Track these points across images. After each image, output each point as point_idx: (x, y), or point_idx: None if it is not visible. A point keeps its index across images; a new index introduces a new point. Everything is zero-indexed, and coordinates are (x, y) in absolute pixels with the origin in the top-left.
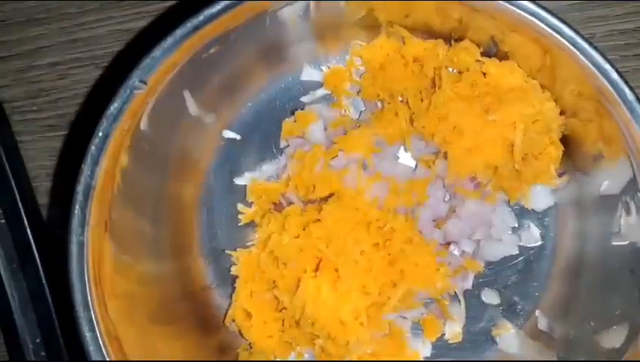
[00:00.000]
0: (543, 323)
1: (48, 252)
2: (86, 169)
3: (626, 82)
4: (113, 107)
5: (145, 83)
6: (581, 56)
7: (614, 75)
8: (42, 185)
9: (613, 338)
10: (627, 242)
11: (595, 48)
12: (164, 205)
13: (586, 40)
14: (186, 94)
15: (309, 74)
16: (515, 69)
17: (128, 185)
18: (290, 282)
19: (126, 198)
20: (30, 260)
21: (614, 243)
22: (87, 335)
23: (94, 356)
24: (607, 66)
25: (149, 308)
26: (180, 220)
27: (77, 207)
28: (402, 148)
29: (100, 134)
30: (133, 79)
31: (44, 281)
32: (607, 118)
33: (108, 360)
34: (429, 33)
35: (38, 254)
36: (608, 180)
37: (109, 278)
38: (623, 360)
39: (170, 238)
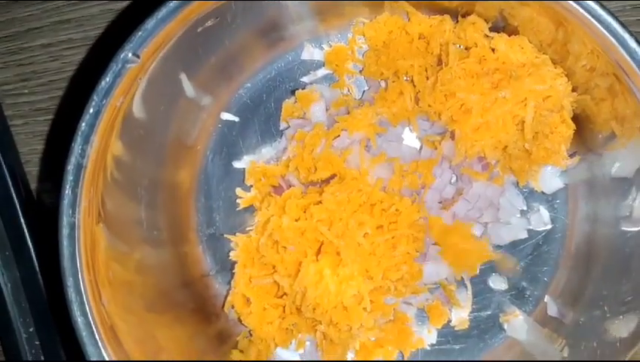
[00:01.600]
0: (552, 310)
1: (42, 238)
2: (76, 147)
3: None
4: (104, 82)
5: (138, 56)
6: (597, 25)
7: (633, 45)
8: (35, 170)
9: (622, 327)
10: (639, 228)
11: (613, 16)
12: (160, 191)
13: (604, 7)
14: (182, 75)
15: (310, 53)
16: (526, 44)
17: (122, 171)
18: (291, 266)
19: (120, 184)
20: (23, 247)
21: (624, 228)
22: (79, 320)
23: (87, 343)
24: (627, 35)
25: (146, 296)
26: (177, 206)
27: (67, 188)
28: (407, 128)
29: (91, 111)
30: (126, 52)
31: (37, 269)
32: (621, 95)
33: (100, 343)
34: (434, 9)
35: (31, 241)
36: (620, 162)
37: (104, 266)
38: (627, 360)
39: (167, 225)
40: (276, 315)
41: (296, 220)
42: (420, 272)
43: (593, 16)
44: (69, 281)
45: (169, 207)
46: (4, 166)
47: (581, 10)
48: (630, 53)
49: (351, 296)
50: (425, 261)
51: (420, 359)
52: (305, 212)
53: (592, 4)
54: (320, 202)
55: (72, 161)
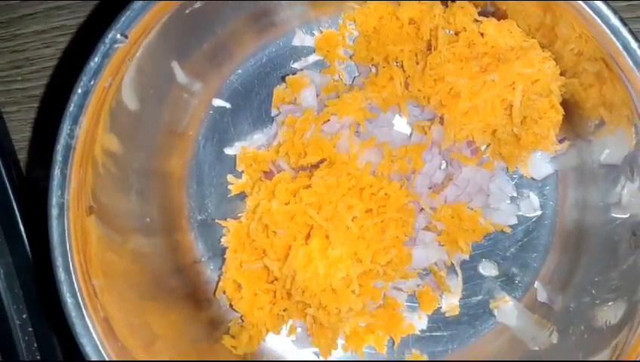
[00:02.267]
0: (542, 295)
1: (35, 226)
2: (65, 128)
3: (630, 30)
4: (93, 62)
5: (126, 37)
6: (583, 5)
7: (616, 22)
8: (28, 157)
9: (611, 313)
10: (628, 214)
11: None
12: (151, 178)
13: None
14: (173, 61)
15: (301, 39)
16: (514, 28)
17: (113, 159)
18: (280, 250)
19: (111, 173)
20: (16, 235)
21: (613, 215)
22: (69, 301)
23: (77, 324)
24: (610, 13)
25: (139, 284)
26: (168, 193)
27: (56, 168)
28: (398, 114)
29: (79, 91)
30: (114, 32)
31: (30, 256)
32: (610, 82)
33: (89, 324)
34: None
35: (24, 228)
36: (609, 149)
37: (97, 255)
38: (622, 360)
39: (158, 212)
40: (267, 300)
41: (286, 204)
42: (409, 256)
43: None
44: (59, 261)
45: (161, 194)
46: None
47: None
48: (623, 43)
49: (339, 278)
50: (414, 245)
51: (410, 345)
52: (295, 196)
53: None
54: (309, 186)
55: (61, 141)
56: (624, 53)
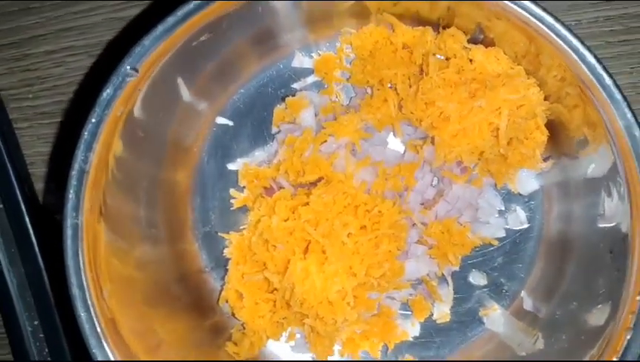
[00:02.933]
0: (528, 304)
1: (46, 236)
2: (79, 154)
3: (604, 67)
4: (105, 93)
5: (136, 70)
6: (561, 43)
7: (592, 60)
8: (39, 171)
9: (596, 317)
10: (612, 224)
11: (575, 35)
12: (158, 190)
13: (566, 27)
14: (179, 81)
15: (300, 61)
16: (501, 55)
17: (122, 171)
18: (280, 264)
19: (120, 184)
20: (28, 245)
21: (600, 226)
22: (82, 315)
23: (90, 335)
24: (586, 52)
25: (144, 291)
26: (174, 205)
27: (71, 192)
28: (392, 133)
29: (93, 120)
30: (125, 66)
31: (41, 265)
32: (589, 103)
33: (102, 336)
34: (417, 20)
35: (35, 239)
36: (593, 164)
37: (105, 262)
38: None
39: (164, 223)
40: (267, 309)
41: (286, 220)
42: (402, 269)
43: (557, 35)
44: (73, 279)
45: (167, 205)
46: (9, 167)
47: (546, 29)
48: (589, 67)
49: (335, 291)
50: (407, 258)
51: (403, 351)
52: (294, 213)
53: (555, 23)
54: (307, 203)
55: (76, 167)
56: (599, 87)
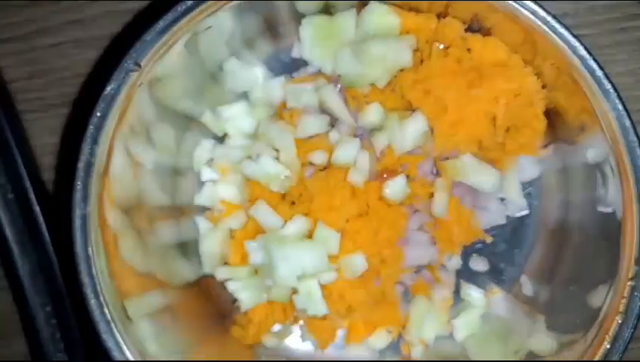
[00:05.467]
0: (527, 288)
1: (55, 224)
2: (86, 147)
3: (594, 58)
4: (110, 88)
5: (139, 65)
6: (553, 35)
7: (583, 52)
8: (46, 162)
9: (594, 300)
10: (609, 209)
11: (565, 27)
12: (165, 173)
13: (557, 20)
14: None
15: (300, 50)
16: (499, 44)
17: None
18: None
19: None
20: (38, 233)
21: (598, 210)
22: (92, 301)
23: (99, 320)
24: (577, 44)
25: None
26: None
27: (79, 183)
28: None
29: (98, 114)
30: (128, 62)
31: (51, 253)
32: (580, 94)
33: (111, 321)
34: (414, 9)
35: (45, 227)
36: (591, 150)
37: (113, 249)
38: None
39: (169, 201)
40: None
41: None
42: (401, 256)
43: (549, 28)
44: (82, 267)
45: (173, 187)
46: (18, 158)
47: (539, 22)
48: (580, 58)
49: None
50: (407, 245)
51: None
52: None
53: (546, 16)
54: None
55: (83, 159)
56: (590, 78)
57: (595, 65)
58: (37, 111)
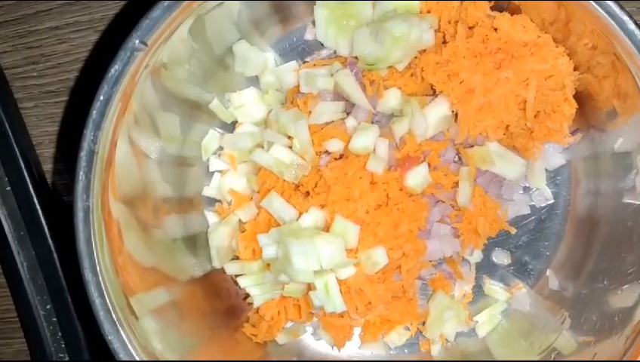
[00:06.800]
0: (554, 283)
1: (55, 218)
2: (88, 134)
3: None
4: (114, 69)
5: (145, 44)
6: (597, 8)
7: (631, 26)
8: (47, 152)
9: (625, 298)
10: None
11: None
12: (170, 165)
13: None
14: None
15: (313, 33)
16: (528, 23)
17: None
18: None
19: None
20: (37, 227)
21: (628, 201)
22: (96, 300)
23: (104, 320)
24: (625, 17)
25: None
26: (185, 181)
27: (81, 173)
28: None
29: (102, 98)
30: (133, 40)
31: (52, 247)
32: (622, 72)
33: (116, 321)
34: None
35: (45, 220)
36: (622, 137)
37: (118, 242)
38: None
39: (174, 193)
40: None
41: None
42: (424, 248)
43: None
44: (86, 263)
45: (177, 181)
46: (16, 148)
47: None
48: (629, 35)
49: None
50: (429, 238)
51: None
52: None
53: None
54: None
55: (85, 147)
56: (631, 46)
57: None
58: (35, 99)
